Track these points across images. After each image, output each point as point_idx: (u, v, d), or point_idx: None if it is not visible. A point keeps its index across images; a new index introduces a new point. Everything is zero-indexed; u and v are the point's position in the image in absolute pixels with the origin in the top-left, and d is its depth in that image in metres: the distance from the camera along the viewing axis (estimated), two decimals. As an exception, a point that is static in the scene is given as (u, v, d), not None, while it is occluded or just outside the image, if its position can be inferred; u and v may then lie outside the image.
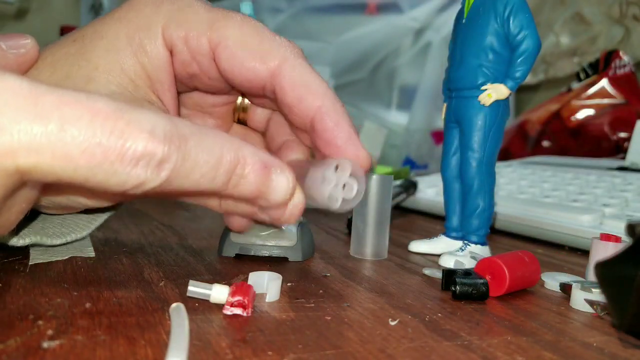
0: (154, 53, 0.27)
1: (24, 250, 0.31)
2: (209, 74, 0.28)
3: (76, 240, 0.32)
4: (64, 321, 0.21)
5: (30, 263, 0.29)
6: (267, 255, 0.34)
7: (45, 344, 0.18)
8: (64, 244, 0.31)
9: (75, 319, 0.21)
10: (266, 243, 0.34)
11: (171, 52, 0.27)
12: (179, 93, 0.30)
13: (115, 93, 0.25)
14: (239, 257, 0.34)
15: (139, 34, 0.26)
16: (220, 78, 0.28)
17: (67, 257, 0.30)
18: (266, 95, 0.28)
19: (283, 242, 0.34)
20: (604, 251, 0.30)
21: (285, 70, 0.27)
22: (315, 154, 0.29)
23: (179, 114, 0.31)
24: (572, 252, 0.43)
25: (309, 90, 0.27)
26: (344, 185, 0.26)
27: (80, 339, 0.19)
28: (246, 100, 0.33)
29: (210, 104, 0.32)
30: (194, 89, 0.30)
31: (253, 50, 0.27)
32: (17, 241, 0.28)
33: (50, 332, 0.19)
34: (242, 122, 0.34)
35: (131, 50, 0.26)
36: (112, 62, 0.26)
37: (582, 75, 0.89)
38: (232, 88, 0.30)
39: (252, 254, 0.34)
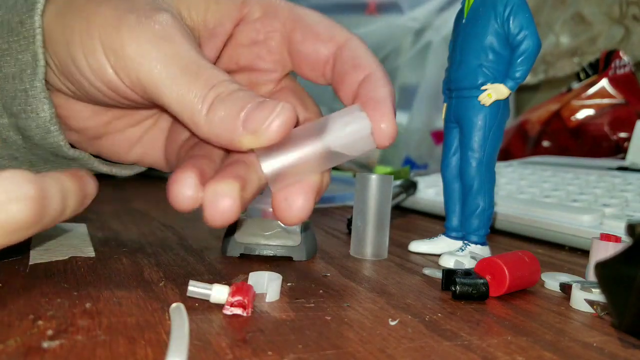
0: (225, 4, 0.28)
1: (24, 251, 0.31)
2: (270, 45, 0.29)
3: None
4: (64, 321, 0.21)
5: (30, 263, 0.29)
6: (271, 255, 0.34)
7: (45, 344, 0.18)
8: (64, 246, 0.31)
9: (75, 319, 0.21)
10: (270, 243, 0.34)
11: (243, 17, 0.29)
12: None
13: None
14: (242, 256, 0.34)
15: None
16: (278, 52, 0.29)
17: (67, 257, 0.30)
18: (325, 73, 0.29)
19: (287, 241, 0.34)
20: (604, 251, 0.30)
21: (350, 44, 0.28)
22: None
23: None
24: (572, 252, 0.43)
25: (363, 62, 0.28)
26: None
27: (80, 339, 0.19)
28: None
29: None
30: (242, 67, 0.31)
31: (327, 29, 0.29)
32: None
33: (50, 332, 0.20)
34: None
35: None
36: None
37: (582, 75, 0.89)
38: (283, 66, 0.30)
39: (256, 253, 0.34)
